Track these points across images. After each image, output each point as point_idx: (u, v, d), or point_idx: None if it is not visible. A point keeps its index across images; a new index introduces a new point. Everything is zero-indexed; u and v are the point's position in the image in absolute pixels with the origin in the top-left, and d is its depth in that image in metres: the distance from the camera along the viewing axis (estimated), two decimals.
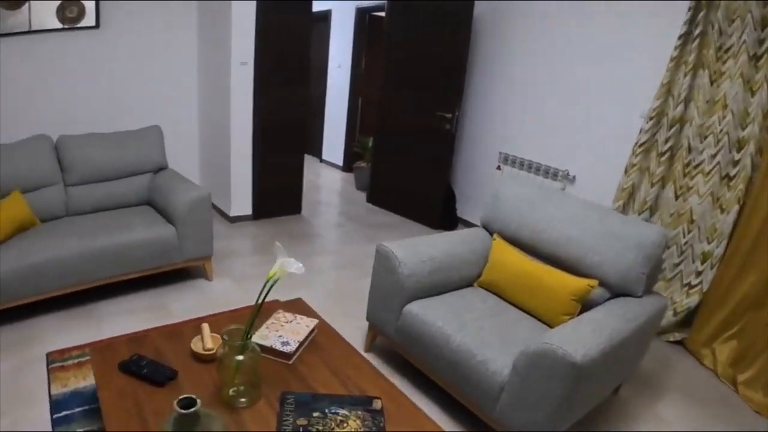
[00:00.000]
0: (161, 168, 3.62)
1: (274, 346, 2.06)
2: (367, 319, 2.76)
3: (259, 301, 1.78)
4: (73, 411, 2.14)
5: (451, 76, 4.38)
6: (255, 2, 3.95)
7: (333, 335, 2.27)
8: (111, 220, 3.13)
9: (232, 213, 4.47)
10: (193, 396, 1.35)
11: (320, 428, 1.68)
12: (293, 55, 4.34)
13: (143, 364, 1.88)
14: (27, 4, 3.46)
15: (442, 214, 4.74)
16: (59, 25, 3.62)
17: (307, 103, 4.65)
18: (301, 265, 1.84)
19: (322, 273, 3.76)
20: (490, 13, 4.34)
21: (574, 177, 3.79)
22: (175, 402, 1.34)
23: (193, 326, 2.17)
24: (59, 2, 3.56)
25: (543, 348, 1.84)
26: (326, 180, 6.62)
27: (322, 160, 7.51)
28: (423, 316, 2.38)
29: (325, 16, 6.73)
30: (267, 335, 2.14)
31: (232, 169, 4.32)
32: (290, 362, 2.04)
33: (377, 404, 1.82)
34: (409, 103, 4.80)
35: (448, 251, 2.66)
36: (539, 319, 2.40)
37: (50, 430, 2.05)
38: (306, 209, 5.05)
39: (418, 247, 2.61)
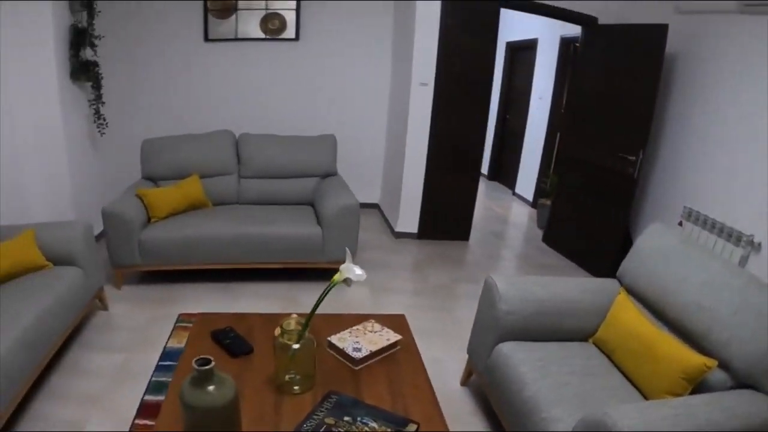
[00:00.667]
0: (329, 174, 4.08)
1: (345, 349, 2.21)
2: (467, 351, 2.73)
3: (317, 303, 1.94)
4: (174, 363, 2.60)
5: (637, 114, 4.03)
6: (438, 23, 4.17)
7: (412, 355, 2.32)
8: (269, 213, 3.68)
9: (398, 228, 4.77)
10: (210, 357, 1.59)
11: (342, 431, 1.78)
12: (475, 79, 4.48)
13: (230, 336, 2.22)
14: (234, 15, 4.27)
15: (613, 265, 4.33)
16: (262, 35, 4.36)
17: (485, 129, 4.73)
18: (362, 272, 1.98)
19: (458, 299, 3.79)
20: (685, 50, 3.88)
21: (759, 244, 3.17)
22: (194, 360, 1.60)
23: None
24: (263, 14, 4.30)
25: (599, 418, 1.66)
26: (511, 213, 6.56)
27: (514, 193, 7.45)
28: (509, 358, 2.30)
29: (531, 45, 6.71)
30: (345, 338, 2.30)
31: (403, 187, 4.62)
32: (356, 368, 2.17)
33: (411, 428, 1.84)
34: (592, 140, 4.53)
35: (562, 297, 2.51)
36: (640, 391, 2.11)
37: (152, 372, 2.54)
38: (475, 238, 5.10)
39: (527, 286, 2.52)
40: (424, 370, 2.21)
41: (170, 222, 3.49)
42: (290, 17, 4.34)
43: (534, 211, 6.54)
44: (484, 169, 7.36)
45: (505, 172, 7.87)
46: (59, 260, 2.95)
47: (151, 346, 2.80)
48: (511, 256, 4.86)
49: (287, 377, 2.02)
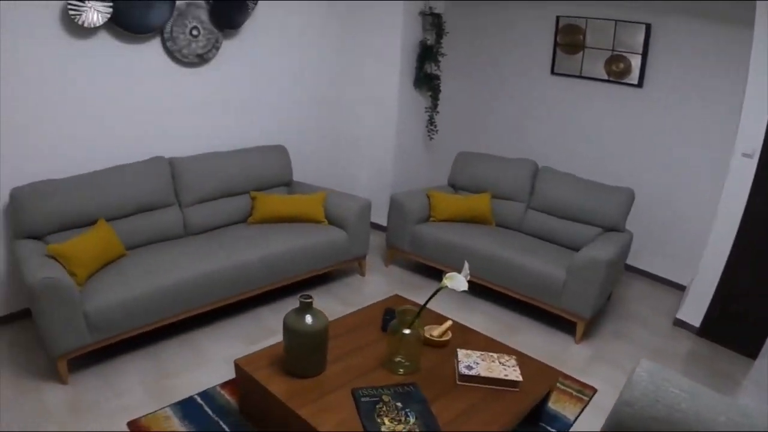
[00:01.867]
0: (614, 228, 3.86)
1: (459, 363, 2.39)
2: None
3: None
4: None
5: None
6: None
7: (518, 404, 2.29)
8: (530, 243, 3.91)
9: (679, 315, 4.04)
10: (311, 295, 2.15)
11: (384, 411, 2.05)
12: None
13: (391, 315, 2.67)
14: (582, 53, 4.45)
15: None
16: (605, 77, 4.44)
17: None
18: (465, 284, 2.16)
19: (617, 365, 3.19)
20: None
21: None
22: (299, 296, 2.17)
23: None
24: (608, 56, 4.36)
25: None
26: None
27: None
28: None
29: None
30: (470, 356, 2.46)
31: (700, 269, 3.92)
32: (457, 382, 2.34)
33: None
34: None
35: None
36: None
37: None
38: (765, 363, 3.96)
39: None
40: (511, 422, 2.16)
41: (444, 225, 4.10)
42: (635, 62, 4.31)
43: None
44: None
45: None
46: (334, 222, 3.93)
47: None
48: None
49: (396, 359, 2.34)
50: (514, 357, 2.47)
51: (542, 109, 4.78)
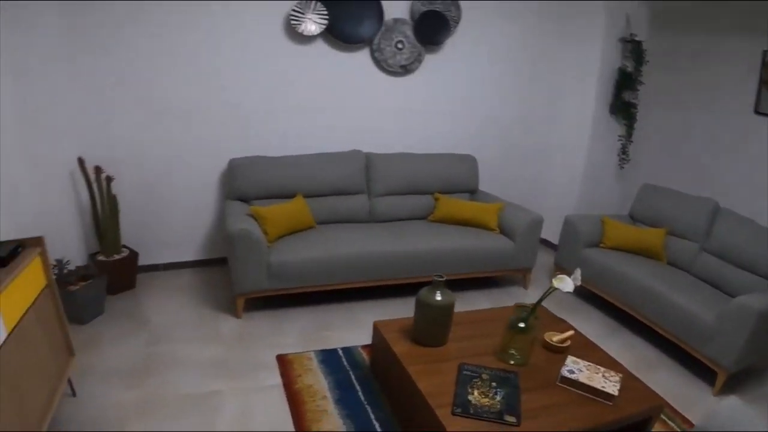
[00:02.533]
0: None
1: (564, 367, 2.67)
2: None
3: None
4: None
5: None
6: None
7: (610, 413, 2.47)
8: None
9: None
10: (443, 275, 2.66)
11: (478, 385, 2.46)
12: None
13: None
14: None
15: None
16: None
17: None
18: (571, 286, 2.46)
19: None
20: None
21: None
22: (434, 275, 2.67)
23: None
24: None
25: None
26: None
27: None
28: None
29: None
30: (578, 362, 2.72)
31: None
32: (555, 382, 2.62)
33: (510, 419, 2.29)
34: None
35: None
36: None
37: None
38: None
39: None
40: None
41: (612, 253, 4.22)
42: None
43: None
44: None
45: None
46: (505, 231, 4.35)
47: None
48: None
49: (510, 351, 2.72)
50: (620, 375, 2.63)
51: (741, 149, 4.57)
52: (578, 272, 2.58)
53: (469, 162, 4.81)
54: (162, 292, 4.04)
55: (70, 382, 2.82)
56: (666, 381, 3.41)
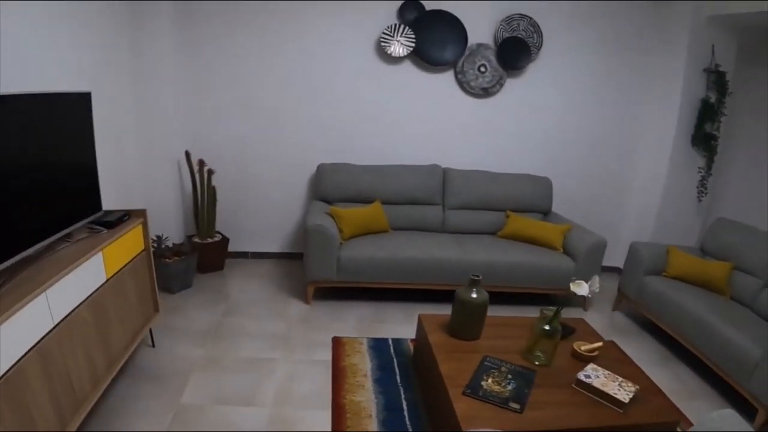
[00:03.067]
0: None
1: (585, 372, 2.90)
2: None
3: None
4: None
5: None
6: None
7: (617, 419, 2.67)
8: None
9: None
10: (479, 274, 2.99)
11: (495, 375, 2.77)
12: None
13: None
14: None
15: None
16: None
17: None
18: (587, 289, 2.73)
19: None
20: None
21: None
22: (472, 274, 3.01)
23: None
24: None
25: None
26: None
27: None
28: None
29: None
30: (597, 369, 2.94)
31: None
32: (571, 384, 2.87)
33: (514, 406, 2.59)
34: None
35: None
36: None
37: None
38: None
39: None
40: None
41: (673, 282, 4.29)
42: None
43: None
44: None
45: None
46: (568, 252, 4.58)
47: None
48: None
49: (536, 352, 3.00)
50: (636, 386, 2.78)
51: None
52: (596, 279, 2.80)
53: (543, 183, 5.06)
54: (246, 276, 4.67)
55: (151, 334, 3.47)
56: (703, 410, 3.45)
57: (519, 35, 4.78)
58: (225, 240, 4.77)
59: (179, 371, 3.23)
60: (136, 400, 2.93)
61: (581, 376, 2.82)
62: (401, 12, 4.61)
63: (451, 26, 4.66)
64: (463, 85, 4.87)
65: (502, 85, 4.94)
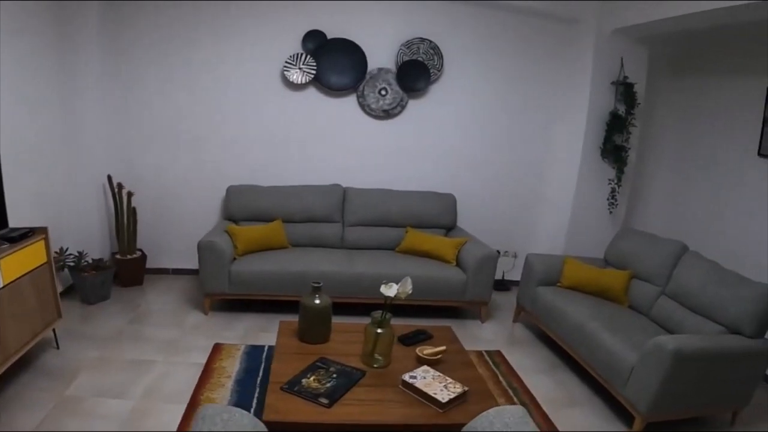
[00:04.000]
0: None
1: (412, 374, 3.14)
2: None
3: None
4: None
5: None
6: None
7: (434, 418, 2.92)
8: None
9: None
10: (320, 281, 3.29)
11: (320, 373, 3.00)
12: None
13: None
14: None
15: None
16: None
17: None
18: (394, 291, 3.06)
19: None
20: None
21: None
22: (312, 282, 3.30)
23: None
24: None
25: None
26: None
27: None
28: None
29: None
30: (429, 371, 3.17)
31: None
32: (399, 386, 3.12)
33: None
34: None
35: None
36: None
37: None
38: None
39: None
40: None
41: (565, 292, 4.47)
42: None
43: None
44: None
45: None
46: (461, 264, 4.88)
47: None
48: None
49: (375, 354, 3.20)
50: (463, 387, 2.95)
51: (743, 193, 4.53)
52: (408, 280, 3.04)
53: (446, 200, 5.33)
54: (162, 290, 5.07)
55: (56, 337, 3.88)
56: (583, 420, 3.52)
57: (419, 58, 5.13)
58: (143, 256, 5.19)
59: (72, 369, 3.63)
60: (29, 392, 3.33)
61: (406, 377, 2.97)
62: (304, 41, 5.02)
63: (350, 53, 5.04)
64: (365, 108, 5.23)
65: (403, 107, 5.29)
